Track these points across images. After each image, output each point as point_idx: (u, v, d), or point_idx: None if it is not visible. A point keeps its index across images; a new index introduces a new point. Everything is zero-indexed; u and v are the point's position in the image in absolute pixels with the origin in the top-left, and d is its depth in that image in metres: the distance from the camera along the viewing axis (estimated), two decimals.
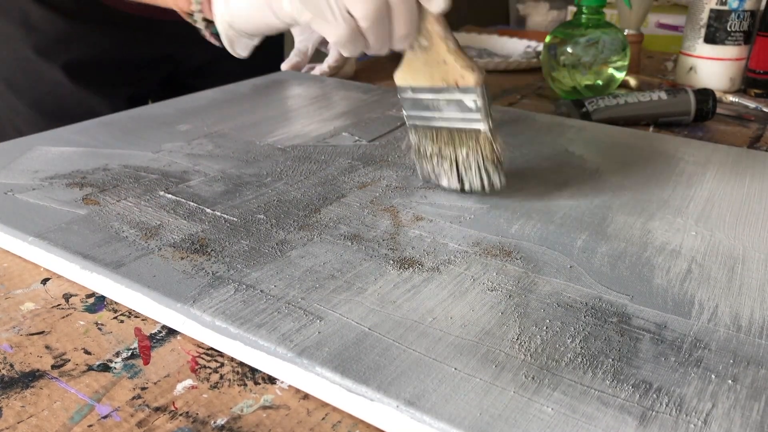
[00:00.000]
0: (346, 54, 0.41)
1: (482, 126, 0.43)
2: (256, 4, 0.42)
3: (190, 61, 0.83)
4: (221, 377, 0.30)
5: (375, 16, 0.38)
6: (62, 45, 0.71)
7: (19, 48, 0.72)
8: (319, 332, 0.30)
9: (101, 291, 0.35)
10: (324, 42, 0.86)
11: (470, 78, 0.42)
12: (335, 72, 0.84)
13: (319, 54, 0.88)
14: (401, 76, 0.45)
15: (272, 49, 0.94)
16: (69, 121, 0.61)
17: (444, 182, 0.46)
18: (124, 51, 0.75)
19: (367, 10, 0.37)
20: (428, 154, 0.46)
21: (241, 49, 0.47)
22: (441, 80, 0.43)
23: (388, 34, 0.40)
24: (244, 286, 0.34)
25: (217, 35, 0.47)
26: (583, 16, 0.74)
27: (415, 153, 0.47)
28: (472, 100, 0.42)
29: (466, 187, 0.45)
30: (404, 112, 0.47)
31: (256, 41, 0.47)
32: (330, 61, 0.83)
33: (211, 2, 0.46)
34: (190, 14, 0.49)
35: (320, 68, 0.84)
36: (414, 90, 0.45)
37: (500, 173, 0.44)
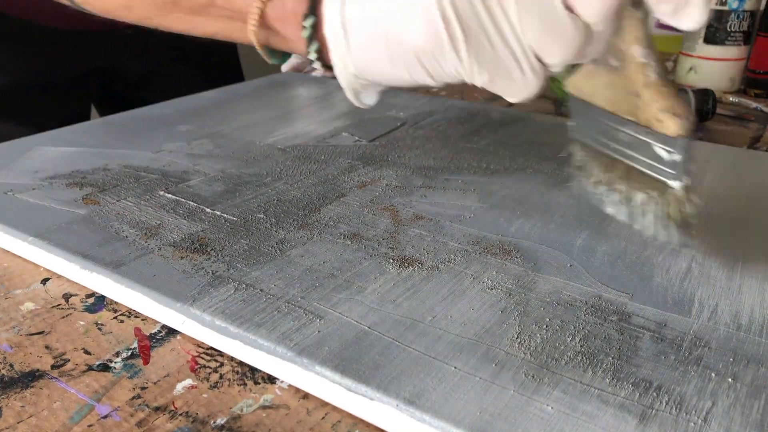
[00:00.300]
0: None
1: (675, 184, 0.34)
2: (401, 62, 0.31)
3: (128, 73, 0.75)
4: (221, 377, 0.30)
5: (574, 59, 0.30)
6: None
7: None
8: (318, 331, 0.30)
9: (101, 291, 0.35)
10: None
11: (670, 126, 0.33)
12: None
13: None
14: (577, 85, 0.38)
15: (227, 57, 0.87)
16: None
17: (609, 211, 0.39)
18: (48, 71, 0.66)
19: (566, 54, 0.29)
20: (594, 180, 0.39)
21: (368, 99, 0.39)
22: (629, 113, 0.35)
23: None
24: (244, 286, 0.34)
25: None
26: None
27: (575, 169, 0.40)
28: (667, 151, 0.34)
29: (636, 227, 0.38)
30: (570, 123, 0.40)
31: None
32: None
33: (326, 45, 0.34)
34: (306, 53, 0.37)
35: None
36: (591, 107, 0.37)
37: (680, 234, 0.35)
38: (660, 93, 0.32)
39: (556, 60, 0.30)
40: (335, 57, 0.34)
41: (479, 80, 0.31)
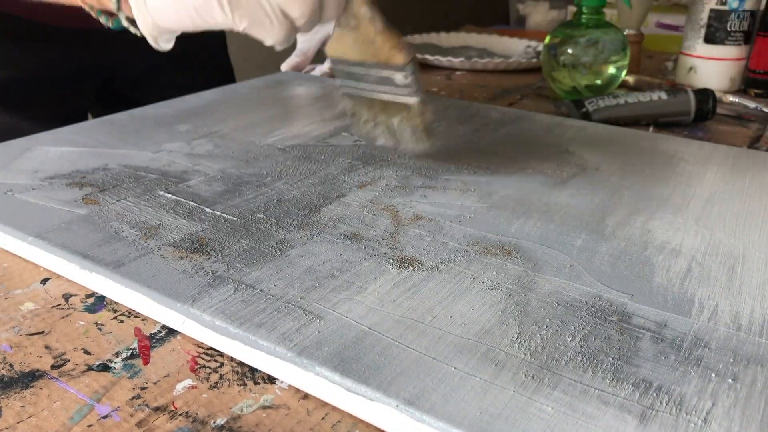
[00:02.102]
0: (279, 48, 0.43)
1: (412, 100, 0.46)
2: (184, 11, 0.40)
3: (127, 71, 0.78)
4: (221, 377, 0.30)
5: (310, 14, 0.40)
6: None
7: None
8: (318, 331, 0.30)
9: (101, 291, 0.35)
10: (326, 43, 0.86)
11: (399, 57, 0.45)
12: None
13: (319, 54, 0.88)
14: (333, 49, 0.48)
15: (224, 59, 0.91)
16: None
17: (380, 142, 0.51)
18: (50, 67, 0.69)
19: (303, 10, 0.39)
20: (363, 120, 0.51)
21: (164, 43, 0.45)
22: (372, 57, 0.46)
23: (318, 22, 0.42)
24: (244, 286, 0.34)
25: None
26: (583, 16, 0.74)
27: (350, 117, 0.52)
28: (402, 76, 0.45)
29: (401, 147, 0.50)
30: (338, 82, 0.50)
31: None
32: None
33: (127, 1, 0.42)
34: (105, 12, 0.45)
35: (321, 69, 0.84)
36: (347, 63, 0.48)
37: (429, 138, 0.49)
38: (387, 36, 0.44)
39: (296, 14, 0.39)
40: (135, 9, 0.42)
41: (240, 28, 0.40)
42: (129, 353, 0.31)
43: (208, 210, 0.43)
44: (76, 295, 0.36)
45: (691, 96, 0.68)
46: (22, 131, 0.61)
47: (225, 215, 0.42)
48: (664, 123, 0.69)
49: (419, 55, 0.94)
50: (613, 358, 0.29)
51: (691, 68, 0.82)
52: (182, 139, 0.56)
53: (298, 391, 0.29)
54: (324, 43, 0.86)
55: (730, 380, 0.28)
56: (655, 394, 0.27)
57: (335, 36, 0.47)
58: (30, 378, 0.29)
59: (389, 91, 0.47)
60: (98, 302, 0.35)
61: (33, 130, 0.61)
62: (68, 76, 0.71)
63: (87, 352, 0.31)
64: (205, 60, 0.85)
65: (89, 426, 0.27)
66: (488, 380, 0.27)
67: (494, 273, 0.36)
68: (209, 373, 0.30)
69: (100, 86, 0.78)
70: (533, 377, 0.27)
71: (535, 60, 0.93)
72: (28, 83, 0.68)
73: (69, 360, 0.30)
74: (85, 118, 0.75)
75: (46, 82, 0.70)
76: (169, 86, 0.74)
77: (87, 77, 0.75)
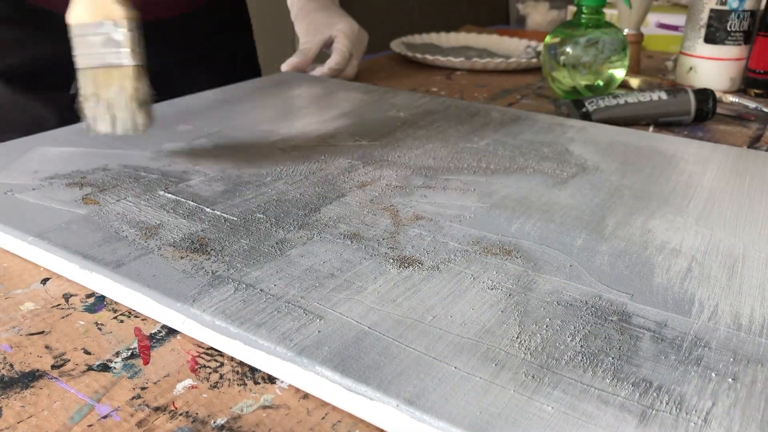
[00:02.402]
0: None
1: (126, 60, 0.44)
2: None
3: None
4: (221, 377, 0.30)
5: None
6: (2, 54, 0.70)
7: None
8: (318, 331, 0.30)
9: (101, 291, 0.35)
10: (328, 44, 0.86)
11: (118, 12, 0.43)
12: (336, 74, 0.84)
13: (320, 55, 0.88)
14: (74, 15, 0.45)
15: (246, 58, 0.92)
16: (13, 132, 0.59)
17: (101, 127, 0.46)
18: (66, 55, 0.72)
19: None
20: (87, 95, 0.46)
21: None
22: (100, 16, 0.44)
23: None
24: (244, 286, 0.34)
25: None
26: (583, 16, 0.74)
27: (80, 100, 0.47)
28: (120, 33, 0.43)
29: (119, 129, 0.46)
30: (74, 55, 0.47)
31: None
32: (332, 63, 0.83)
33: None
34: None
35: (320, 70, 0.84)
36: (81, 27, 0.45)
37: (145, 113, 0.45)
38: None
39: None
40: None
41: None
42: (129, 353, 0.31)
43: (208, 210, 0.43)
44: (76, 295, 0.36)
45: (691, 96, 0.68)
46: (33, 113, 0.69)
47: (225, 215, 0.42)
48: (664, 123, 0.69)
49: (419, 55, 0.94)
50: (613, 358, 0.29)
51: (691, 68, 0.82)
52: (182, 139, 0.56)
53: (298, 390, 0.29)
54: (326, 44, 0.86)
55: (730, 380, 0.28)
56: (655, 394, 0.27)
57: (74, 1, 0.45)
58: (30, 378, 0.29)
59: (111, 53, 0.44)
60: (98, 302, 0.35)
61: (42, 112, 0.67)
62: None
63: (87, 352, 0.31)
64: (224, 61, 0.86)
65: (89, 426, 0.27)
66: (488, 380, 0.27)
67: (494, 273, 0.36)
68: (209, 373, 0.30)
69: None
70: (533, 377, 0.27)
71: (535, 60, 0.93)
72: (43, 68, 0.71)
73: (69, 360, 0.30)
74: None
75: (61, 68, 0.71)
76: (187, 84, 0.75)
77: None
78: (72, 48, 0.46)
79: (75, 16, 0.45)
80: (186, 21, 0.79)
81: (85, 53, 0.46)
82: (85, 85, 0.47)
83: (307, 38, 0.85)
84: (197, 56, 0.81)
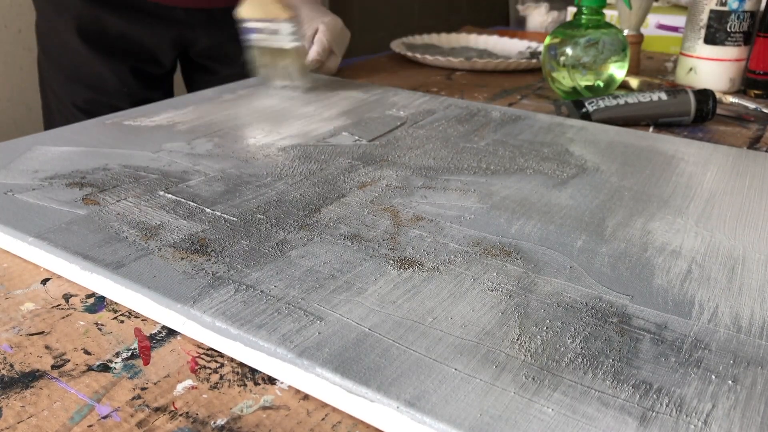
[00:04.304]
0: None
1: (294, 45, 0.69)
2: None
3: (199, 44, 0.92)
4: (221, 377, 0.30)
5: None
6: (84, 21, 0.86)
7: (54, 24, 0.88)
8: (319, 333, 0.30)
9: (101, 291, 0.35)
10: (312, 38, 0.87)
11: (283, 14, 0.68)
12: (317, 67, 0.84)
13: None
14: (244, 12, 0.70)
15: None
16: (84, 83, 0.85)
17: (276, 82, 0.73)
18: (132, 29, 0.87)
19: None
20: (262, 65, 0.73)
21: None
22: (266, 15, 0.68)
23: None
24: (244, 287, 0.34)
25: None
26: (583, 16, 0.74)
27: (256, 66, 0.73)
28: (286, 27, 0.68)
29: (289, 83, 0.73)
30: (246, 37, 0.72)
31: None
32: (312, 54, 0.83)
33: None
34: None
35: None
36: (251, 21, 0.70)
37: (306, 75, 0.73)
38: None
39: None
40: None
41: None
42: (129, 353, 0.31)
43: (208, 210, 0.43)
44: (76, 296, 0.36)
45: (691, 96, 0.68)
46: (99, 71, 0.87)
47: (225, 216, 0.42)
48: (664, 123, 0.69)
49: (419, 55, 0.94)
50: (613, 360, 0.29)
51: (691, 69, 0.82)
52: (182, 138, 0.56)
53: (298, 391, 0.29)
54: (314, 35, 0.87)
55: (730, 382, 0.28)
56: (655, 396, 0.27)
57: (244, 3, 0.69)
58: (30, 378, 0.29)
59: (278, 40, 0.69)
60: (98, 302, 0.35)
61: (107, 72, 0.87)
62: (146, 40, 0.88)
63: (87, 353, 0.31)
64: None
65: (89, 426, 0.27)
66: (489, 382, 0.27)
67: (494, 274, 0.36)
68: (209, 374, 0.30)
69: (173, 56, 0.94)
70: (534, 379, 0.27)
71: (535, 60, 0.93)
72: (113, 38, 0.87)
73: (69, 360, 0.30)
74: (152, 77, 0.92)
75: (127, 40, 0.87)
76: (235, 60, 0.90)
77: (161, 45, 0.90)
78: (238, 33, 0.72)
79: (245, 11, 0.69)
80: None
81: (258, 38, 0.70)
82: (261, 57, 0.72)
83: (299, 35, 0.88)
84: (240, 38, 0.91)
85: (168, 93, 0.96)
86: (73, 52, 0.87)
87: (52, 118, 0.91)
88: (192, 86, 1.00)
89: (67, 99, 0.88)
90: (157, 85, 0.93)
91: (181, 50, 0.93)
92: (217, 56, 0.94)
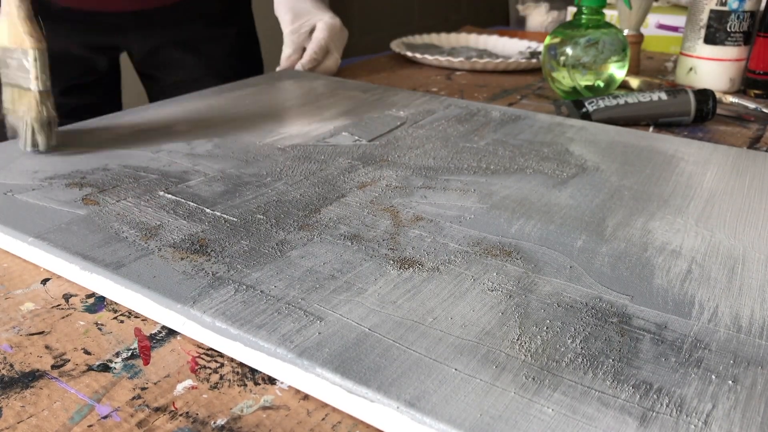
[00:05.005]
0: None
1: (32, 86, 0.51)
2: None
3: (136, 51, 0.86)
4: (221, 377, 0.30)
5: None
6: None
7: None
8: (319, 333, 0.30)
9: (101, 291, 0.35)
10: (305, 35, 0.86)
11: (27, 42, 0.50)
12: (314, 65, 0.83)
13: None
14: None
15: (243, 52, 0.95)
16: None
17: (19, 143, 0.53)
18: (66, 42, 0.80)
19: None
20: (8, 109, 0.53)
21: None
22: (15, 43, 0.51)
23: None
24: (244, 287, 0.34)
25: None
26: (583, 16, 0.74)
27: (3, 108, 0.54)
28: (28, 62, 0.50)
29: (24, 146, 0.52)
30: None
31: None
32: (309, 53, 0.83)
33: None
34: None
35: (301, 63, 0.84)
36: (2, 50, 0.52)
37: (45, 134, 0.52)
38: (25, 23, 0.50)
39: None
40: None
41: None
42: (129, 353, 0.31)
43: (208, 210, 0.42)
44: (76, 296, 0.36)
45: (691, 96, 0.68)
46: None
47: (225, 216, 0.42)
48: (664, 123, 0.69)
49: (419, 55, 0.94)
50: (613, 360, 0.29)
51: (691, 69, 0.82)
52: (182, 139, 0.56)
53: (298, 391, 0.29)
54: (312, 32, 0.85)
55: (730, 382, 0.28)
56: (655, 396, 0.27)
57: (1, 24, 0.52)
58: (30, 378, 0.29)
59: (23, 76, 0.51)
60: (98, 302, 0.35)
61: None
62: (80, 51, 0.81)
63: (87, 352, 0.31)
64: (215, 39, 0.91)
65: (89, 426, 0.27)
66: (489, 382, 0.27)
67: (494, 274, 0.36)
68: (209, 374, 0.30)
69: (113, 63, 0.87)
70: (534, 379, 0.27)
71: (535, 60, 0.93)
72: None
73: (69, 360, 0.30)
74: (88, 92, 0.85)
75: (61, 54, 0.77)
76: (179, 66, 0.86)
77: (97, 54, 0.83)
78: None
79: (2, 38, 0.52)
80: (178, 10, 0.86)
81: (5, 72, 0.52)
82: (6, 99, 0.53)
83: (293, 27, 0.85)
84: (183, 41, 0.87)
85: (110, 97, 0.90)
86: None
87: None
88: (148, 95, 0.94)
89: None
90: (92, 91, 0.86)
91: (116, 56, 0.87)
92: (157, 64, 0.88)
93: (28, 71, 0.50)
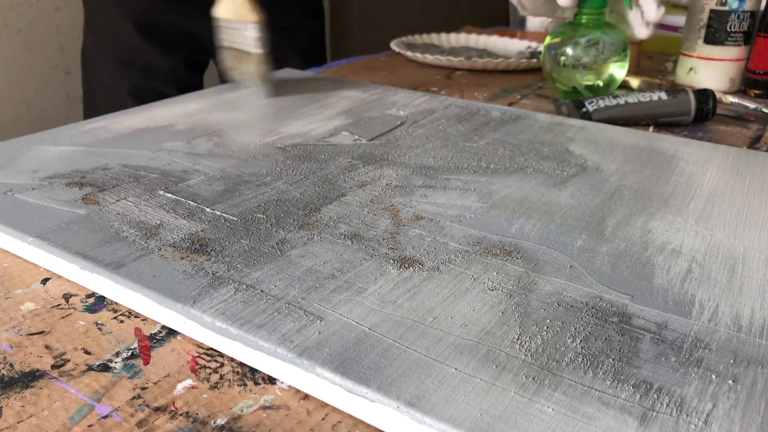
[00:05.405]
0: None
1: (255, 50, 0.66)
2: None
3: (209, 40, 0.96)
4: (221, 377, 0.30)
5: None
6: (140, 13, 0.93)
7: (107, 14, 0.94)
8: (319, 332, 0.30)
9: (101, 291, 0.35)
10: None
11: (250, 16, 0.65)
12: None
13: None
14: (218, 10, 0.68)
15: (317, 42, 1.08)
16: (138, 71, 0.90)
17: (244, 86, 0.71)
18: (186, 20, 0.94)
19: None
20: (230, 67, 0.71)
21: None
22: (239, 15, 0.66)
23: None
24: (244, 286, 0.34)
25: None
26: (584, 16, 0.74)
27: (225, 67, 0.71)
28: (251, 30, 0.65)
29: (249, 87, 0.71)
30: (217, 37, 0.70)
31: None
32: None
33: None
34: None
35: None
36: (224, 21, 0.68)
37: (267, 84, 0.70)
38: (246, 1, 0.65)
39: None
40: None
41: None
42: (129, 353, 0.31)
43: (208, 210, 0.42)
44: (76, 295, 0.36)
45: (691, 96, 0.68)
46: (153, 59, 0.93)
47: (225, 215, 0.42)
48: (664, 123, 0.69)
49: (419, 55, 0.94)
50: (613, 360, 0.29)
51: (691, 69, 0.82)
52: (182, 138, 0.56)
53: (298, 391, 0.29)
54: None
55: (730, 382, 0.28)
56: (655, 396, 0.27)
57: (219, 1, 0.67)
58: (30, 378, 0.29)
59: (247, 42, 0.66)
60: (98, 302, 0.35)
61: (159, 61, 0.93)
62: (198, 30, 0.92)
63: (87, 352, 0.31)
64: (304, 28, 1.04)
65: (89, 426, 0.27)
66: (489, 381, 0.27)
67: (495, 273, 0.36)
68: (209, 374, 0.30)
69: (192, 49, 0.98)
70: (534, 378, 0.27)
71: (535, 60, 0.93)
72: (167, 28, 0.93)
73: (69, 360, 0.30)
74: (202, 67, 1.00)
75: (180, 30, 0.94)
76: (273, 50, 0.97)
77: (212, 35, 0.94)
78: (213, 31, 0.69)
79: (220, 11, 0.67)
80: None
81: (227, 39, 0.68)
82: (229, 59, 0.70)
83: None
84: (279, 26, 0.95)
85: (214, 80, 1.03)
86: (127, 42, 0.93)
87: (96, 107, 0.96)
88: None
89: (117, 86, 0.94)
90: (205, 72, 1.00)
91: (192, 48, 0.98)
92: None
93: (250, 39, 0.65)
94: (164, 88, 0.93)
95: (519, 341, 0.30)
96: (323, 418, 0.27)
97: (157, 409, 0.28)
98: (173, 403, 0.28)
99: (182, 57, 0.96)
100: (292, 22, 1.00)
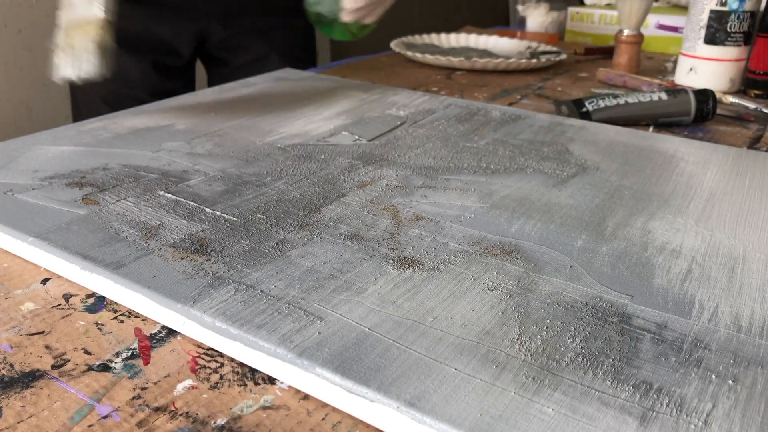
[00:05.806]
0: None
1: (97, 12, 0.55)
2: None
3: (215, 37, 0.95)
4: (221, 377, 0.30)
5: None
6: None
7: None
8: (319, 333, 0.30)
9: (101, 291, 0.35)
10: None
11: None
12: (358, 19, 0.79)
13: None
14: None
15: (305, 44, 1.04)
16: (111, 77, 0.80)
17: (63, 72, 0.56)
18: (153, 24, 0.90)
19: None
20: (60, 46, 0.56)
21: None
22: None
23: None
24: (244, 287, 0.34)
25: None
26: None
27: (55, 51, 0.57)
28: None
29: (78, 71, 0.55)
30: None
31: None
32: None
33: None
34: None
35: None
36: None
37: (101, 59, 0.56)
38: None
39: None
40: None
41: None
42: (129, 353, 0.31)
43: (208, 210, 0.42)
44: (76, 295, 0.36)
45: (691, 96, 0.68)
46: (123, 66, 0.82)
47: (225, 215, 0.42)
48: (664, 123, 0.69)
49: (419, 55, 0.94)
50: (613, 360, 0.29)
51: (691, 69, 0.82)
52: (182, 138, 0.56)
53: (298, 391, 0.29)
54: None
55: (730, 382, 0.28)
56: (655, 396, 0.27)
57: None
58: (30, 378, 0.29)
59: (86, 9, 0.55)
60: (98, 302, 0.35)
61: (129, 67, 0.88)
62: (165, 34, 0.91)
63: (87, 352, 0.31)
64: (287, 28, 0.99)
65: (89, 426, 0.27)
66: (489, 382, 0.27)
67: (495, 274, 0.36)
68: (209, 374, 0.30)
69: (191, 49, 0.96)
70: (534, 379, 0.27)
71: (535, 60, 0.93)
72: (134, 32, 0.89)
73: (69, 360, 0.30)
74: (172, 70, 0.94)
75: (146, 35, 0.90)
76: (249, 49, 0.96)
77: (181, 38, 0.93)
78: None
79: None
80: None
81: (69, 12, 0.55)
82: (59, 38, 0.55)
83: None
84: (259, 28, 0.96)
85: (189, 84, 0.99)
86: None
87: (80, 114, 0.94)
88: (210, 79, 1.04)
89: (94, 93, 0.91)
90: (177, 76, 0.96)
91: (199, 42, 0.96)
92: (230, 47, 0.97)
93: (92, 2, 0.54)
94: (138, 93, 0.90)
95: (519, 341, 0.30)
96: (323, 419, 0.27)
97: (157, 409, 0.28)
98: (173, 403, 0.28)
99: (151, 62, 0.92)
100: (271, 23, 0.97)
